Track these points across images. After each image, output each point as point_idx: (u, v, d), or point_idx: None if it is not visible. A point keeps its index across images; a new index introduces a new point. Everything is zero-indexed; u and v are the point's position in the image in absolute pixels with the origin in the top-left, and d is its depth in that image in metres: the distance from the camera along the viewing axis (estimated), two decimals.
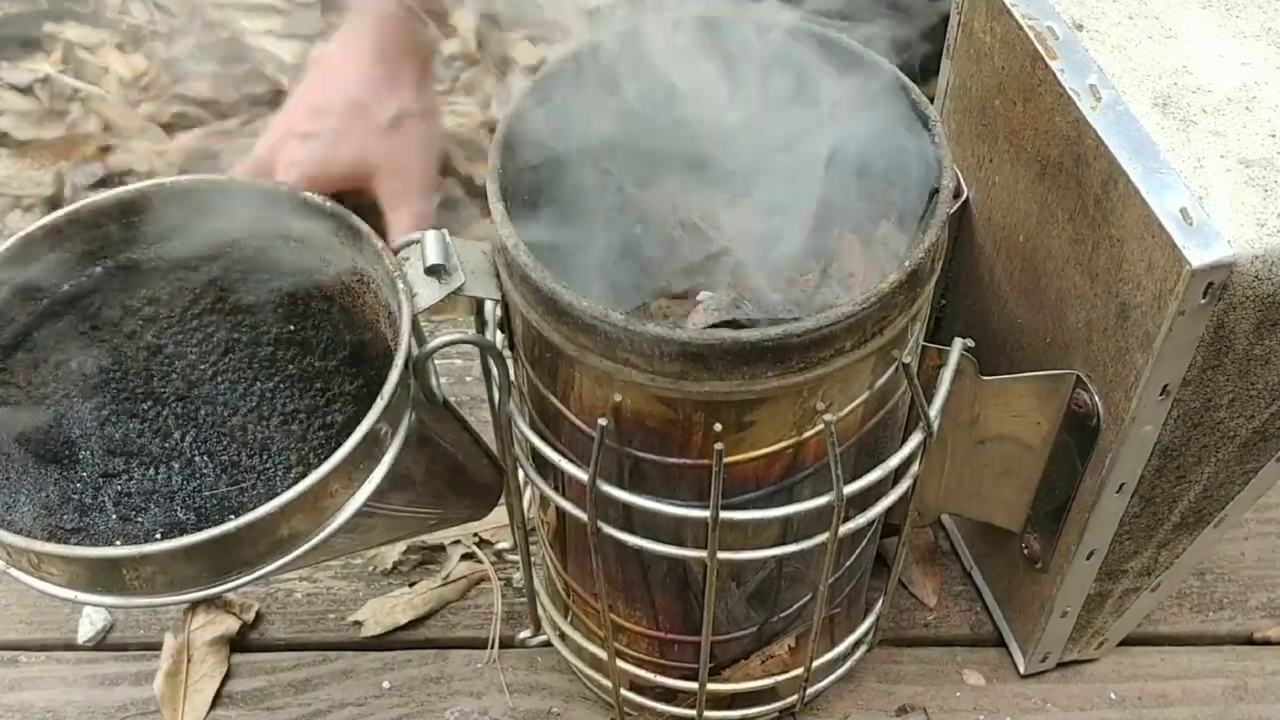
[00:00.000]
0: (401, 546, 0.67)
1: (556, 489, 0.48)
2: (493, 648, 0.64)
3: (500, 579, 0.66)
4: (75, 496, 0.43)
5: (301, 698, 0.62)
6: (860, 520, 0.46)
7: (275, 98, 1.07)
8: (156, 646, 0.63)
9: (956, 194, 0.51)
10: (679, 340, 0.37)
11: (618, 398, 0.40)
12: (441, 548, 0.68)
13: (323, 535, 0.39)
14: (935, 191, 0.42)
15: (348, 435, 0.38)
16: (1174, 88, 0.43)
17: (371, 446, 0.39)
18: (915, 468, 0.47)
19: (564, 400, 0.43)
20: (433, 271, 0.41)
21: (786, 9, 0.45)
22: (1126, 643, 0.63)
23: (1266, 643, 0.64)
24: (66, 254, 0.45)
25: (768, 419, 0.41)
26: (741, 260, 0.50)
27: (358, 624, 0.65)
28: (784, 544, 0.46)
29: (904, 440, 0.46)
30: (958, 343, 0.46)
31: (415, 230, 0.42)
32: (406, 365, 0.40)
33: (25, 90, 1.06)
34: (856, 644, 0.58)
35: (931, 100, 0.48)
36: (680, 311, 0.51)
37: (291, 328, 0.47)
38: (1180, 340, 0.41)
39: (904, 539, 0.53)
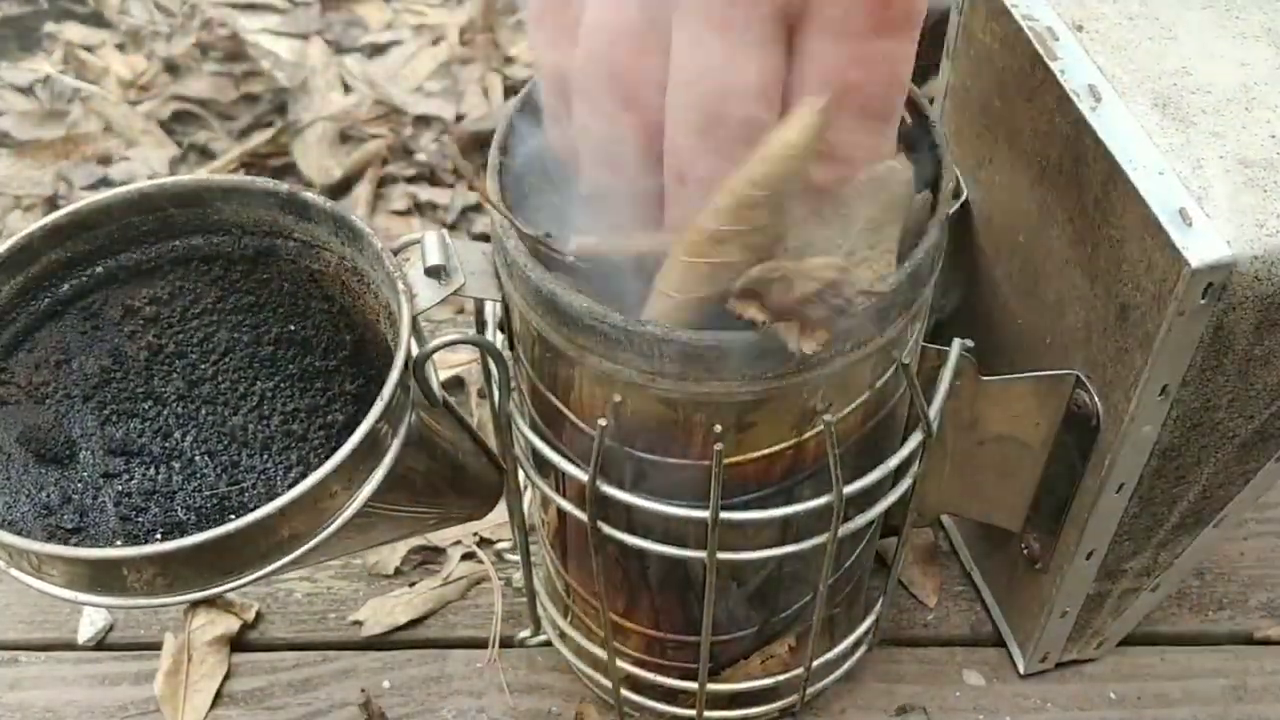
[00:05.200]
0: (402, 551, 0.67)
1: (557, 489, 0.48)
2: (493, 648, 0.64)
3: (500, 579, 0.66)
4: (75, 496, 0.43)
5: (301, 697, 0.62)
6: (860, 520, 0.46)
7: (274, 96, 1.07)
8: (156, 646, 0.63)
9: (956, 194, 0.51)
10: (678, 341, 0.37)
11: (618, 398, 0.40)
12: (442, 549, 0.68)
13: (323, 535, 0.39)
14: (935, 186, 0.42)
15: (348, 435, 0.38)
16: (1174, 88, 0.43)
17: (371, 447, 0.39)
18: (915, 468, 0.47)
19: (564, 400, 0.43)
20: (433, 272, 0.41)
21: None
22: (1126, 643, 0.63)
23: (1266, 642, 0.64)
24: (67, 254, 0.45)
25: (768, 420, 0.41)
26: None
27: (358, 624, 0.65)
28: (784, 544, 0.46)
29: (904, 441, 0.46)
30: (957, 343, 0.46)
31: None
32: (406, 366, 0.40)
33: (25, 90, 1.06)
34: (856, 644, 0.58)
35: (931, 101, 0.48)
36: None
37: (292, 328, 0.47)
38: (1180, 340, 0.41)
39: (904, 539, 0.53)
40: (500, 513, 0.56)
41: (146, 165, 1.00)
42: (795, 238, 0.37)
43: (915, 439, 0.46)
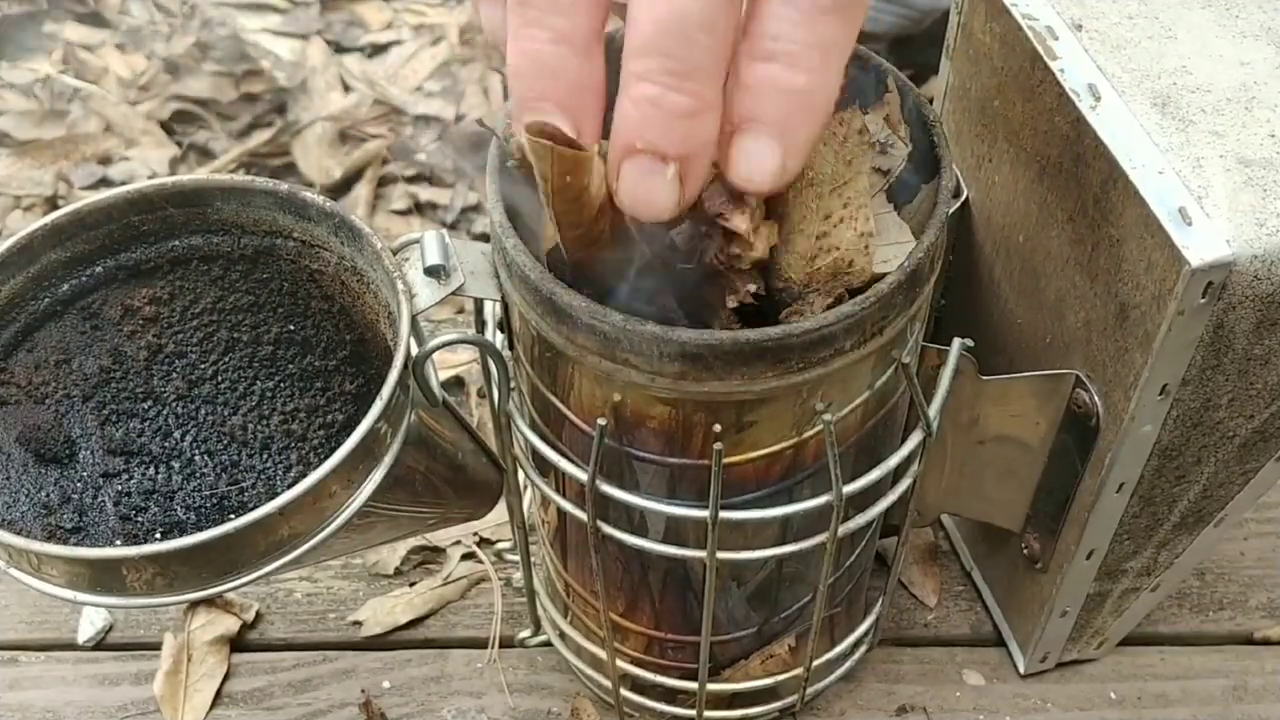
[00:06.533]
0: (402, 551, 0.67)
1: (557, 489, 0.48)
2: (493, 647, 0.64)
3: (500, 579, 0.66)
4: (75, 496, 0.43)
5: (301, 697, 0.62)
6: (860, 520, 0.46)
7: (274, 96, 1.07)
8: (156, 646, 0.63)
9: (956, 194, 0.51)
10: (678, 340, 0.37)
11: (617, 398, 0.40)
12: (442, 549, 0.68)
13: (323, 535, 0.39)
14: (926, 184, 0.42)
15: (347, 434, 0.38)
16: (1173, 88, 0.43)
17: (371, 447, 0.39)
18: (915, 467, 0.47)
19: (564, 400, 0.43)
20: (432, 272, 0.41)
21: None
22: (1126, 643, 0.63)
23: (1266, 642, 0.64)
24: (67, 253, 0.45)
25: (767, 419, 0.41)
26: None
27: (358, 624, 0.65)
28: (784, 544, 0.46)
29: (903, 440, 0.46)
30: (957, 343, 0.46)
31: None
32: (406, 365, 0.40)
33: (25, 90, 1.06)
34: (856, 643, 0.58)
35: (931, 100, 0.48)
36: None
37: (291, 327, 0.47)
38: (1179, 340, 0.41)
39: (904, 539, 0.53)
40: (500, 513, 0.56)
41: (146, 165, 1.00)
42: (772, 218, 0.37)
43: (915, 439, 0.46)
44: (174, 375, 0.46)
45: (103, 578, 0.37)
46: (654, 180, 0.32)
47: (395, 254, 0.42)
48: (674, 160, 0.32)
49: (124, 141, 1.02)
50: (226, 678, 0.62)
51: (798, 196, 0.36)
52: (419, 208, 0.99)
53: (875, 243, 0.39)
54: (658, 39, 0.31)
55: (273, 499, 0.36)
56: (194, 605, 0.64)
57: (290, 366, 0.46)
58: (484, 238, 0.45)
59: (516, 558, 0.65)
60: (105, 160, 1.00)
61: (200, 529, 0.36)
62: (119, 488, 0.44)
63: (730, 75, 0.32)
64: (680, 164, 0.32)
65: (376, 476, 0.40)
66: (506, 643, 0.64)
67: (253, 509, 0.36)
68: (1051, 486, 0.52)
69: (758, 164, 0.33)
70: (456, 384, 0.77)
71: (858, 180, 0.37)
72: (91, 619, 0.64)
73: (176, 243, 0.46)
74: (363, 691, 0.61)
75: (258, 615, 0.65)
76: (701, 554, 0.44)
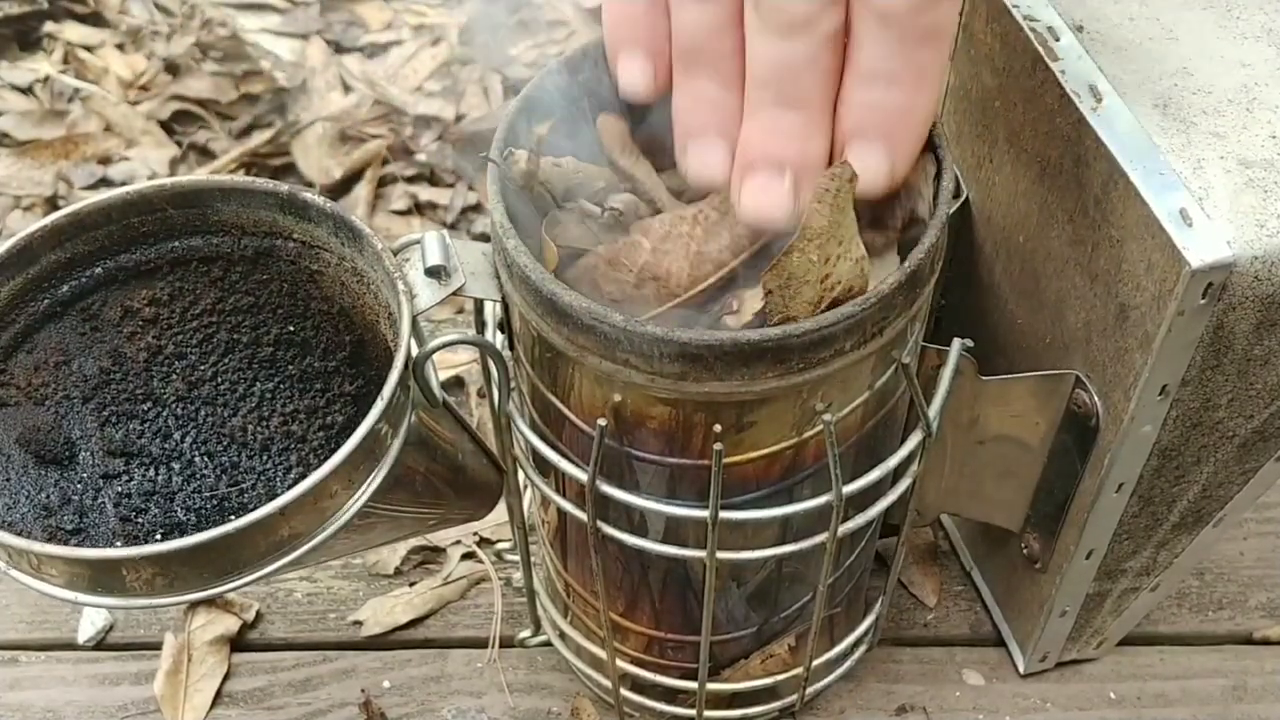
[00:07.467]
0: (402, 551, 0.67)
1: (557, 489, 0.48)
2: (493, 647, 0.64)
3: (500, 579, 0.66)
4: (75, 497, 0.43)
5: (302, 697, 0.62)
6: (859, 520, 0.46)
7: (274, 96, 1.07)
8: (156, 646, 0.63)
9: (956, 194, 0.51)
10: (678, 341, 0.37)
11: (617, 398, 0.40)
12: (442, 549, 0.68)
13: (323, 536, 0.39)
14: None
15: (347, 436, 0.38)
16: (1174, 89, 0.43)
17: (372, 447, 0.39)
18: (915, 467, 0.47)
19: (564, 400, 0.43)
20: (433, 272, 0.41)
21: None
22: (1126, 642, 0.63)
23: (1266, 642, 0.65)
24: (67, 254, 0.44)
25: (767, 420, 0.41)
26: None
27: (358, 623, 0.65)
28: (784, 544, 0.46)
29: (903, 440, 0.46)
30: (957, 343, 0.46)
31: None
32: (406, 366, 0.40)
33: (25, 90, 1.06)
34: (856, 643, 0.59)
35: None
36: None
37: (291, 328, 0.47)
38: (1179, 341, 0.41)
39: (904, 539, 0.53)
40: (500, 513, 0.56)
41: (146, 165, 1.00)
42: (775, 279, 0.38)
43: (915, 439, 0.46)
44: (174, 376, 0.46)
45: (103, 578, 0.37)
46: (773, 191, 0.37)
47: (395, 254, 0.42)
48: (790, 171, 0.37)
49: (124, 141, 1.02)
50: (227, 677, 0.62)
51: (800, 253, 0.37)
52: (419, 208, 0.99)
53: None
54: (772, 75, 0.36)
55: (273, 500, 0.36)
56: (194, 605, 0.64)
57: (290, 368, 0.46)
58: (484, 238, 0.45)
59: (516, 558, 0.65)
60: (105, 160, 1.00)
61: (200, 530, 0.36)
62: (119, 489, 0.44)
63: (839, 97, 0.37)
64: (795, 175, 0.37)
65: (377, 477, 0.40)
66: (506, 643, 0.64)
67: (253, 510, 0.36)
68: (1051, 486, 0.52)
69: (870, 171, 0.37)
70: (456, 384, 0.77)
71: (848, 217, 0.37)
72: (92, 619, 0.64)
73: (176, 244, 0.46)
74: (363, 691, 0.61)
75: (258, 615, 0.65)
76: (701, 554, 0.44)
